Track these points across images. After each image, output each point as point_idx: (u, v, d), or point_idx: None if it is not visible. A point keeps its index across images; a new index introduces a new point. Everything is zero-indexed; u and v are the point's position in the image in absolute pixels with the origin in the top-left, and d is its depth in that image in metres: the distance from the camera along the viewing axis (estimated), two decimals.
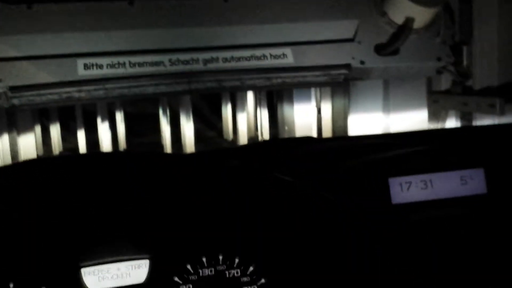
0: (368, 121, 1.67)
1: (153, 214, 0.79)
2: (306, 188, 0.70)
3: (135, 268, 0.83)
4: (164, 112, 1.81)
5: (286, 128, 1.96)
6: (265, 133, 2.02)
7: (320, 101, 1.90)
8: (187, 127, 1.75)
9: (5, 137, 1.58)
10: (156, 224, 0.81)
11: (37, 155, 1.70)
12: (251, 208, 0.77)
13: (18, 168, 0.66)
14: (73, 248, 0.80)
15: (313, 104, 1.92)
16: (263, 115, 2.00)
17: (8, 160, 1.58)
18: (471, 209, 0.81)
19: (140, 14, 1.28)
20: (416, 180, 0.77)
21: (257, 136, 2.05)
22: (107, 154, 0.74)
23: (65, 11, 1.24)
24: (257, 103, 2.03)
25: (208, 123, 2.15)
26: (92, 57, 1.23)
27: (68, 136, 1.87)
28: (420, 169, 0.79)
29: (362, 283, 0.71)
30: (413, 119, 1.58)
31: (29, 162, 0.69)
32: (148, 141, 1.93)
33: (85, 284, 0.81)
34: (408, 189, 0.77)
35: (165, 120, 1.81)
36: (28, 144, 1.63)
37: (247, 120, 1.97)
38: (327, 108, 1.87)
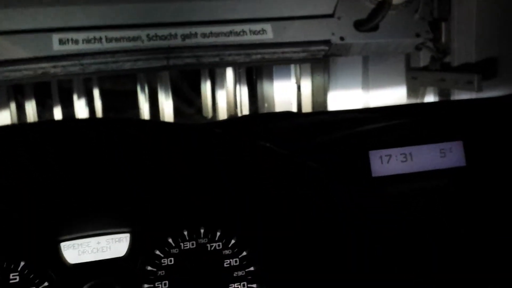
0: (347, 98, 1.68)
1: (133, 186, 0.78)
2: (289, 156, 0.70)
3: (115, 241, 0.83)
4: (142, 88, 1.79)
5: (266, 105, 1.95)
6: (244, 109, 2.01)
7: (299, 78, 1.90)
8: (166, 104, 1.73)
9: None
10: (137, 197, 0.80)
11: None
12: (233, 179, 0.77)
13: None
14: (52, 222, 0.79)
15: (292, 81, 1.91)
16: (243, 91, 1.98)
17: None
18: (451, 181, 0.82)
19: None
20: (396, 153, 0.78)
21: (236, 113, 2.04)
22: (85, 120, 0.72)
23: None
24: (237, 80, 2.01)
25: (187, 100, 2.13)
26: (68, 32, 1.21)
27: (44, 113, 1.83)
28: (400, 142, 0.80)
29: (343, 254, 0.72)
30: (392, 95, 1.59)
31: (4, 128, 0.67)
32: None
33: (64, 258, 0.81)
34: (388, 162, 0.78)
35: (143, 97, 1.79)
36: (3, 121, 1.59)
37: (226, 97, 1.96)
38: (306, 84, 1.86)
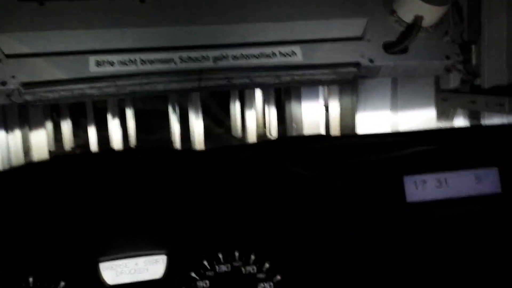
0: (376, 119, 1.68)
1: (170, 210, 0.80)
2: (321, 182, 0.71)
3: (152, 263, 0.84)
4: (174, 109, 1.82)
5: (294, 125, 1.97)
6: (273, 130, 2.03)
7: (328, 99, 1.91)
8: (197, 124, 1.76)
9: (17, 133, 1.60)
10: (173, 220, 0.82)
11: (49, 151, 1.72)
12: (266, 203, 0.78)
13: (38, 166, 0.67)
14: (91, 243, 0.81)
15: (321, 102, 1.92)
16: (271, 112, 2.01)
17: (20, 156, 1.60)
18: (486, 208, 0.81)
19: (151, 12, 1.30)
20: (431, 178, 0.78)
21: (265, 133, 2.06)
22: (122, 151, 0.75)
23: (77, 8, 1.25)
24: (265, 101, 2.04)
25: (217, 120, 2.17)
26: (104, 54, 1.25)
27: (79, 132, 1.89)
28: (434, 167, 0.80)
29: (377, 280, 0.72)
30: (421, 117, 1.58)
31: (48, 160, 0.70)
32: (158, 137, 1.95)
33: (103, 278, 0.83)
34: (423, 187, 0.77)
35: (175, 117, 1.82)
36: (40, 140, 1.65)
37: (255, 117, 1.98)
38: (335, 106, 1.87)
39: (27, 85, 1.19)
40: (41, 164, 0.69)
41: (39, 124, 1.67)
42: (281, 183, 0.74)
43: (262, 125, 2.06)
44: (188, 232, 0.83)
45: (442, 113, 1.54)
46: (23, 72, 1.20)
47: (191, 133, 1.76)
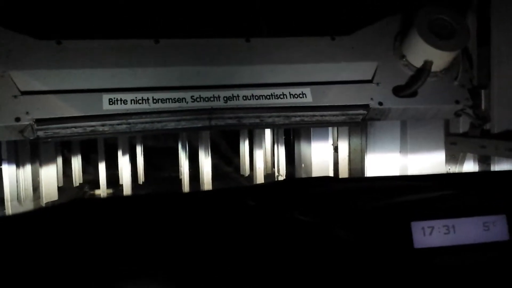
0: (385, 161, 1.68)
1: (176, 253, 0.79)
2: (326, 229, 0.70)
3: None
4: (183, 147, 1.84)
5: (303, 165, 1.97)
6: (281, 170, 2.03)
7: (337, 140, 1.92)
8: (205, 162, 1.77)
9: (28, 168, 1.61)
10: (180, 263, 0.81)
11: (58, 186, 1.73)
12: (268, 249, 0.77)
13: (62, 208, 0.67)
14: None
15: (330, 143, 1.93)
16: (280, 152, 2.02)
17: (29, 191, 1.61)
18: (494, 255, 0.80)
19: (165, 53, 1.32)
20: (438, 224, 0.77)
21: (273, 173, 2.07)
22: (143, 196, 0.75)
23: (92, 48, 1.28)
24: (275, 140, 2.05)
25: (226, 159, 2.18)
26: (117, 93, 1.27)
27: (88, 168, 1.90)
28: (443, 214, 0.79)
29: None
30: (430, 160, 1.58)
31: (75, 201, 0.71)
32: (167, 175, 1.96)
33: None
34: (430, 234, 0.77)
35: (184, 155, 1.83)
36: (50, 176, 1.66)
37: (264, 156, 1.99)
38: (344, 147, 1.88)
39: (41, 121, 1.21)
40: (68, 206, 0.69)
41: (50, 160, 1.69)
42: (287, 231, 0.74)
43: (271, 165, 2.07)
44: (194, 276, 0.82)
45: (452, 157, 1.54)
46: (37, 109, 1.21)
47: (200, 171, 1.76)
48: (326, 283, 0.74)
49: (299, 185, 0.85)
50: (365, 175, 1.71)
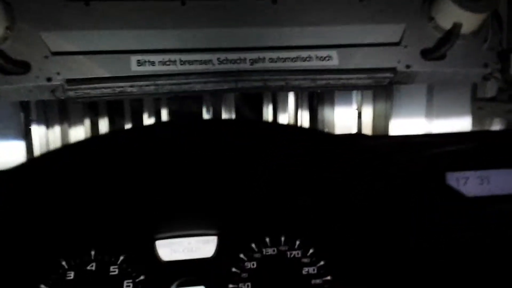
0: (410, 127, 1.67)
1: (221, 192, 0.83)
2: (366, 177, 0.72)
3: (204, 243, 0.90)
4: (208, 110, 1.85)
5: (326, 130, 1.97)
6: (304, 127, 2.03)
7: (361, 105, 1.91)
8: None
9: (57, 128, 1.65)
10: (225, 203, 0.85)
11: None
12: (312, 192, 0.80)
13: (94, 142, 0.70)
14: (149, 222, 0.86)
15: (354, 107, 1.92)
16: (304, 116, 2.01)
17: None
18: None
19: (191, 14, 1.32)
20: (473, 176, 0.79)
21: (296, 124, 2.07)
22: (181, 124, 0.76)
23: (120, 9, 1.29)
24: (298, 104, 2.05)
25: None
26: (145, 54, 1.28)
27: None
28: (476, 165, 0.81)
29: (421, 272, 0.73)
30: (456, 125, 1.57)
31: (106, 135, 0.73)
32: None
33: (159, 255, 0.89)
34: (464, 184, 0.78)
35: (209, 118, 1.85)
36: (78, 137, 1.69)
37: (287, 120, 1.99)
38: (368, 111, 1.87)
39: (71, 81, 1.23)
40: (100, 139, 0.72)
41: (78, 121, 1.72)
42: (327, 175, 0.76)
43: None
44: (238, 215, 0.86)
45: (479, 122, 1.53)
46: (67, 69, 1.24)
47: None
48: (360, 224, 0.77)
49: (329, 141, 0.86)
50: None
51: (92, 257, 0.89)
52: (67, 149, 0.69)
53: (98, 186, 0.78)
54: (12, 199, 0.71)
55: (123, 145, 0.71)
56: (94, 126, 1.87)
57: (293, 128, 0.89)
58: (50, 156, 0.68)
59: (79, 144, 0.69)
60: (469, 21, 1.33)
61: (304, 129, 1.06)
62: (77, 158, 0.69)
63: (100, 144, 0.69)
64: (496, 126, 1.51)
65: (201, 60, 1.31)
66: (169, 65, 1.29)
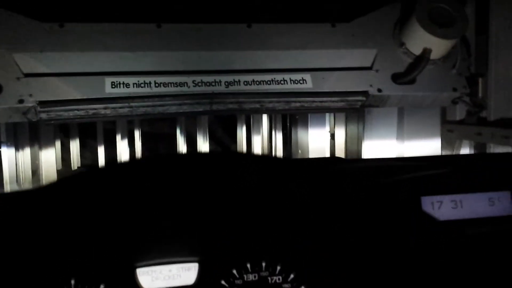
0: (381, 148, 1.70)
1: (201, 220, 0.83)
2: (344, 200, 0.73)
3: (185, 270, 0.89)
4: (182, 132, 1.85)
5: (300, 151, 1.99)
6: (278, 155, 2.05)
7: (334, 126, 1.94)
8: (203, 147, 1.79)
9: (27, 150, 1.62)
10: (205, 230, 0.85)
11: (57, 169, 1.73)
12: (292, 217, 0.80)
13: (78, 178, 0.69)
14: (129, 250, 0.85)
15: (327, 129, 1.95)
16: (278, 138, 2.03)
17: (28, 173, 1.62)
18: (499, 229, 0.84)
19: (167, 37, 1.33)
20: (447, 199, 0.81)
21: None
22: (163, 157, 0.77)
23: (95, 31, 1.28)
24: (272, 126, 2.06)
25: (223, 145, 2.19)
26: (120, 76, 1.27)
27: (86, 152, 1.91)
28: (450, 189, 0.83)
29: None
30: (427, 147, 1.61)
31: (87, 172, 0.73)
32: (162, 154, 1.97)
33: (139, 283, 0.88)
34: (439, 208, 0.80)
35: (182, 140, 1.84)
36: (49, 159, 1.66)
37: (261, 142, 2.00)
38: (341, 133, 1.90)
39: (44, 103, 1.21)
40: (80, 176, 0.71)
41: (49, 143, 1.69)
42: (305, 199, 0.77)
43: (268, 151, 2.08)
44: (218, 242, 0.86)
45: (448, 144, 1.57)
46: (40, 91, 1.22)
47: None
48: (339, 248, 0.77)
49: (306, 165, 0.87)
50: None
51: (72, 287, 0.87)
52: (52, 187, 0.68)
53: (77, 216, 0.77)
54: None
55: (103, 178, 0.70)
56: (65, 148, 1.85)
57: (265, 157, 0.89)
58: (33, 192, 0.67)
59: (61, 181, 0.69)
60: (439, 46, 1.37)
61: (277, 158, 1.07)
62: (57, 194, 0.68)
63: (79, 180, 0.68)
64: (465, 148, 1.55)
65: (176, 83, 1.31)
66: (143, 87, 1.28)
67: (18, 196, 0.70)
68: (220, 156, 0.75)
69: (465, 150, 1.54)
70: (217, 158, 0.74)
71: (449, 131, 1.56)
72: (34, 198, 0.68)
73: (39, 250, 0.80)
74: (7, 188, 1.55)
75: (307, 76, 1.40)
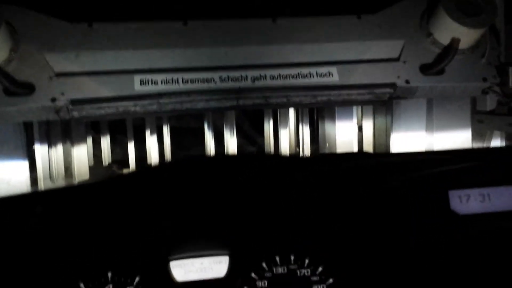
0: (410, 140, 1.68)
1: (232, 214, 0.85)
2: (372, 196, 0.73)
3: (216, 263, 0.92)
4: (209, 127, 1.86)
5: (327, 145, 1.98)
6: (306, 149, 2.04)
7: (361, 119, 1.93)
8: (231, 142, 1.79)
9: (60, 147, 1.65)
10: (235, 223, 0.87)
11: (89, 166, 1.77)
12: (321, 211, 0.81)
13: (119, 177, 0.71)
14: (163, 244, 0.88)
15: (354, 122, 1.94)
16: (305, 131, 2.03)
17: (61, 170, 1.66)
18: None
19: (193, 34, 1.34)
20: (474, 193, 0.80)
21: (298, 152, 2.08)
22: (192, 159, 0.79)
23: (123, 30, 1.31)
24: (299, 120, 2.06)
25: (250, 139, 2.20)
26: (148, 74, 1.30)
27: (117, 148, 1.94)
28: (478, 183, 0.82)
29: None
30: (456, 139, 1.58)
31: (131, 173, 0.75)
32: (193, 154, 1.99)
33: (173, 275, 0.91)
34: (467, 202, 0.80)
35: (210, 135, 1.86)
36: (81, 156, 1.70)
37: (288, 136, 2.00)
38: (368, 126, 1.89)
39: (75, 102, 1.24)
40: (123, 175, 0.74)
41: (81, 140, 1.73)
42: (333, 195, 0.77)
43: (295, 144, 2.08)
44: (248, 235, 0.88)
45: (478, 135, 1.54)
46: (71, 90, 1.25)
47: (225, 150, 1.79)
48: (368, 242, 0.78)
49: (334, 160, 0.88)
50: None
51: (109, 279, 0.91)
52: (91, 186, 0.71)
53: (115, 210, 0.79)
54: (31, 223, 0.72)
55: (140, 178, 0.73)
56: (96, 144, 1.89)
57: (292, 156, 0.90)
58: (72, 188, 0.70)
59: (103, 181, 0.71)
60: (467, 36, 1.34)
61: (303, 156, 1.08)
62: (95, 191, 0.70)
63: (119, 179, 0.70)
64: (496, 139, 1.52)
65: (203, 79, 1.32)
66: (171, 84, 1.30)
67: (61, 192, 0.73)
68: (248, 157, 0.76)
69: (496, 141, 1.51)
70: (245, 159, 0.75)
71: (479, 122, 1.53)
72: (75, 194, 0.71)
73: (79, 244, 0.84)
74: (41, 184, 1.59)
75: (333, 69, 1.39)
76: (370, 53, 1.40)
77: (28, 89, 1.23)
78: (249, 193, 0.81)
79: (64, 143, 1.68)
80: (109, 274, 0.90)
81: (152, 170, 0.76)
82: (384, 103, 1.57)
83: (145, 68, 1.30)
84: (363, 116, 1.90)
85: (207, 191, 0.81)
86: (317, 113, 2.06)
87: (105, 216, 0.80)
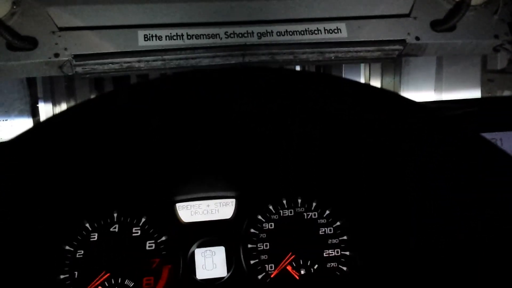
0: (419, 99, 1.66)
1: (239, 156, 0.84)
2: (381, 134, 0.71)
3: (223, 205, 0.93)
4: None
5: None
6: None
7: (369, 78, 1.89)
8: None
9: (64, 105, 1.64)
10: (242, 166, 0.86)
11: None
12: (328, 154, 0.80)
13: (113, 100, 0.68)
14: (170, 185, 0.88)
15: (361, 80, 1.91)
16: None
17: None
18: None
19: None
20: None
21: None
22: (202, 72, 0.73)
23: None
24: None
25: None
26: (152, 29, 1.27)
27: None
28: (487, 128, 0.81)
29: (435, 225, 0.73)
30: (466, 98, 1.56)
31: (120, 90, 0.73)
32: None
33: (179, 216, 0.93)
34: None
35: None
36: None
37: None
38: (376, 84, 1.86)
39: (79, 57, 1.23)
40: (117, 95, 0.71)
41: (85, 97, 1.71)
42: (346, 134, 0.75)
43: None
44: (255, 178, 0.88)
45: (488, 94, 1.52)
46: (75, 45, 1.23)
47: None
48: (376, 184, 0.76)
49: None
50: None
51: (115, 219, 0.92)
52: (86, 107, 0.67)
53: (120, 150, 0.78)
54: (36, 162, 0.71)
55: (143, 106, 0.70)
56: None
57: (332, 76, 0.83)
58: (68, 116, 0.67)
59: (98, 101, 0.68)
60: None
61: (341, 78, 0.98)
62: (97, 120, 0.68)
63: (120, 103, 0.68)
64: None
65: (208, 34, 1.30)
66: (176, 39, 1.28)
67: (56, 124, 0.70)
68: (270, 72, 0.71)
69: None
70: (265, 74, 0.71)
71: (489, 81, 1.50)
72: (79, 134, 0.69)
73: (85, 183, 0.83)
74: None
75: (341, 25, 1.36)
76: (380, 9, 1.37)
77: (31, 43, 1.21)
78: (257, 136, 0.80)
79: (68, 101, 1.66)
80: (115, 215, 0.91)
81: (155, 107, 0.73)
82: (393, 61, 1.54)
83: (150, 23, 1.27)
84: (370, 75, 1.87)
85: (214, 132, 0.79)
86: (324, 71, 2.03)
87: (112, 156, 0.79)
